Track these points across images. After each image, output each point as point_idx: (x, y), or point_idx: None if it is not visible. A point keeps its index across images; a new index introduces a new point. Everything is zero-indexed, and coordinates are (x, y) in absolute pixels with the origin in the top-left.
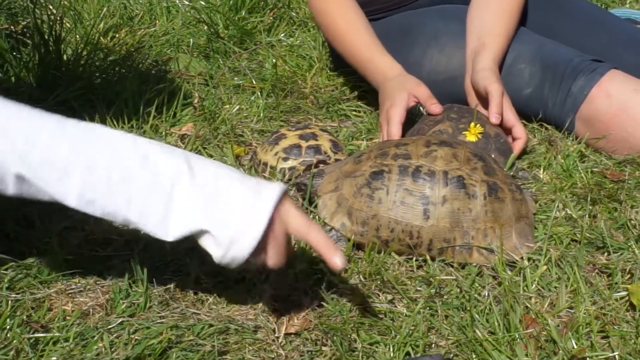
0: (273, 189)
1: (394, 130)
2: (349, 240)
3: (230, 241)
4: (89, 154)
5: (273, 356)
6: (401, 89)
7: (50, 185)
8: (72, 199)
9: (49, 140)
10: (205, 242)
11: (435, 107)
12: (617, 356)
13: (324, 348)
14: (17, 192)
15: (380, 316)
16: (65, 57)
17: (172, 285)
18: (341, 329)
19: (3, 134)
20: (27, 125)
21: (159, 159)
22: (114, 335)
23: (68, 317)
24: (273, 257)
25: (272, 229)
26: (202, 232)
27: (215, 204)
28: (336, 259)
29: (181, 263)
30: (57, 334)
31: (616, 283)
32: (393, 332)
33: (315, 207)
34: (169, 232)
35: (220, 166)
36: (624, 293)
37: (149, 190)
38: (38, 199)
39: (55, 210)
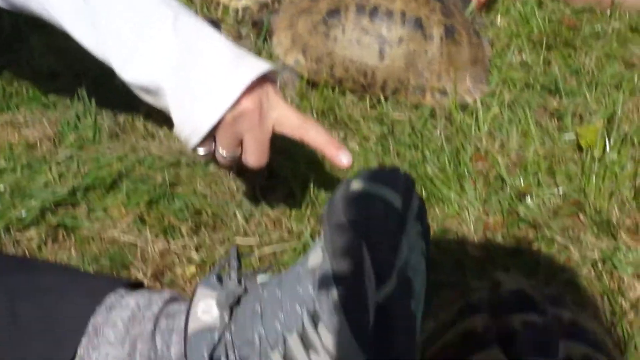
0: (258, 65)
1: None
2: (302, 77)
3: (191, 108)
4: None
5: (224, 190)
6: None
7: None
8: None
9: None
10: (167, 103)
11: None
12: (561, 192)
13: (275, 182)
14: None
15: None
16: None
17: (121, 118)
18: (293, 166)
19: None
20: None
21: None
22: (63, 167)
23: (14, 149)
24: (253, 155)
25: (248, 118)
26: (163, 91)
27: (188, 60)
28: (342, 157)
29: (131, 97)
30: (3, 164)
31: (566, 126)
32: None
33: (271, 44)
34: (128, 70)
35: (211, 29)
36: (573, 136)
37: (124, 20)
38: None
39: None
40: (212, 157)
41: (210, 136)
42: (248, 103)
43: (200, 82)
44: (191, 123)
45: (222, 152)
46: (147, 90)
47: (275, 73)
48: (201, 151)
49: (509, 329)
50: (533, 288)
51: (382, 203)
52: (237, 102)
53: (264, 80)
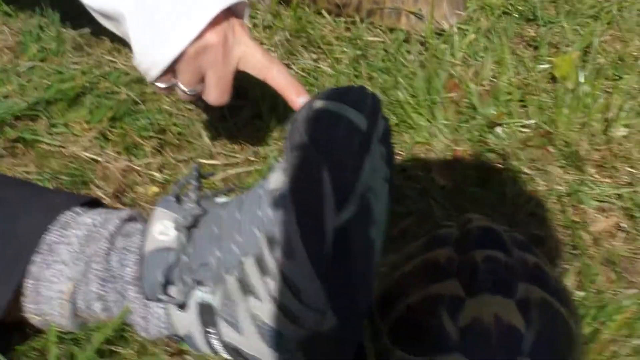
0: None
1: None
2: None
3: (152, 39)
4: None
5: (191, 108)
6: None
7: None
8: None
9: None
10: (127, 31)
11: None
12: (533, 123)
13: (243, 103)
14: None
15: (304, 74)
16: None
17: (86, 31)
18: (262, 86)
19: None
20: None
21: None
22: (23, 79)
23: None
24: (214, 91)
25: (211, 53)
26: (123, 18)
27: None
28: (302, 102)
29: None
30: None
31: (541, 55)
32: (316, 89)
33: None
34: None
35: None
36: (548, 65)
37: None
38: None
39: None
40: (172, 91)
41: (171, 70)
42: (212, 37)
43: (163, 11)
44: (151, 55)
45: (183, 88)
46: (107, 16)
47: (244, 6)
48: (160, 85)
49: (471, 264)
50: (503, 230)
51: (346, 123)
52: (201, 35)
53: (230, 14)
